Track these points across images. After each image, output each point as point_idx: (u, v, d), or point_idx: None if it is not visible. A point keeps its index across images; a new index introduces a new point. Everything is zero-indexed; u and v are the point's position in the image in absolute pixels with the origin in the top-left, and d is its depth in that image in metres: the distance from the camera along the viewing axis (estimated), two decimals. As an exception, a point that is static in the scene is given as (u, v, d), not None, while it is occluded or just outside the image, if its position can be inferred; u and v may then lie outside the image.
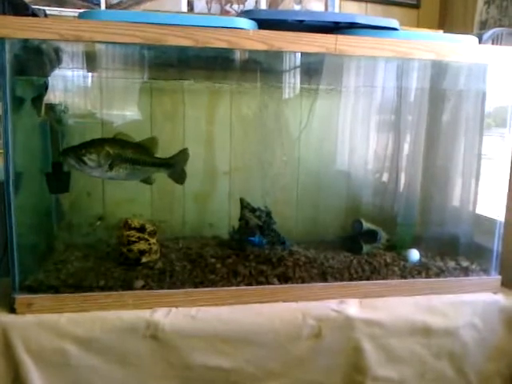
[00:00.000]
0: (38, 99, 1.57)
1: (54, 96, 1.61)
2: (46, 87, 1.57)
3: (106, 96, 1.72)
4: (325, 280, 1.46)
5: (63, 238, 1.65)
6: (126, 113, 1.78)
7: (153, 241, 1.50)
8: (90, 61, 1.60)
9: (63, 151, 1.45)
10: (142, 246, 1.47)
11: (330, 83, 1.79)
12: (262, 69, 1.66)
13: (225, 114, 1.78)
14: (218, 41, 1.26)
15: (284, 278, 1.45)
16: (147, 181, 1.57)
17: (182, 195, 1.77)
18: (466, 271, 1.56)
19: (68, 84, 1.65)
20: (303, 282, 1.45)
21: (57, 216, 1.71)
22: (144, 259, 1.46)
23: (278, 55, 1.52)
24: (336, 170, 1.87)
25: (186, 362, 1.30)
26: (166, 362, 1.30)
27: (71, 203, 1.68)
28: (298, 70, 1.68)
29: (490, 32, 1.58)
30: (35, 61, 1.49)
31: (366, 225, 1.68)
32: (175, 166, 1.62)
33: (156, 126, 1.75)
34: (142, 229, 1.50)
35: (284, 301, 1.41)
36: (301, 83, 1.73)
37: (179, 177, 1.63)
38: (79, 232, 1.65)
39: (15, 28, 1.16)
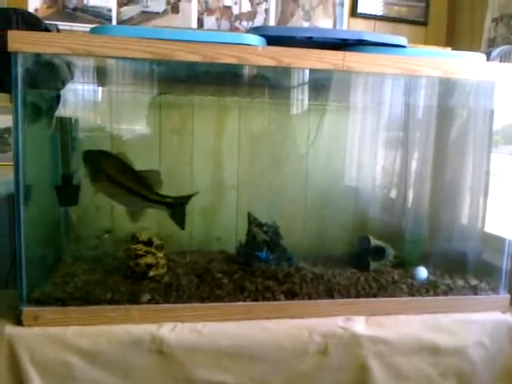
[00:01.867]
0: (49, 112, 1.60)
1: (65, 109, 1.63)
2: (57, 100, 1.59)
3: (116, 110, 1.74)
4: (331, 297, 1.45)
5: (71, 251, 1.66)
6: (135, 127, 1.80)
7: (160, 255, 1.50)
8: (101, 75, 1.62)
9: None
10: (149, 259, 1.47)
11: (338, 100, 1.80)
12: (270, 85, 1.67)
13: (233, 129, 1.79)
14: (227, 56, 1.28)
15: (290, 294, 1.44)
16: (133, 216, 1.50)
17: (189, 209, 1.78)
18: (474, 289, 1.54)
19: (79, 98, 1.67)
20: (310, 298, 1.44)
21: (65, 229, 1.72)
22: (151, 273, 1.47)
23: (286, 71, 1.53)
24: (344, 186, 1.87)
25: (190, 377, 1.30)
26: (170, 376, 1.29)
27: (80, 216, 1.69)
28: (306, 87, 1.69)
29: (499, 50, 1.59)
30: (48, 75, 1.52)
31: (374, 241, 1.67)
32: (178, 207, 1.53)
33: (164, 139, 1.77)
34: (149, 242, 1.50)
35: (290, 317, 1.40)
36: (309, 99, 1.74)
37: (181, 219, 1.54)
38: (87, 245, 1.66)
39: (27, 42, 1.19)
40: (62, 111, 1.62)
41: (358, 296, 1.47)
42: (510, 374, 1.47)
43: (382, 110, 1.86)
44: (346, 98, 1.77)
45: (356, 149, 1.88)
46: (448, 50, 1.66)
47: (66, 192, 1.57)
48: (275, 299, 1.42)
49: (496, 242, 1.62)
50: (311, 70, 1.47)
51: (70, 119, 1.67)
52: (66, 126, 1.64)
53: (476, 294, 1.53)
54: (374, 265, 1.62)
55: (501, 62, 1.58)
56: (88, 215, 1.69)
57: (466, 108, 1.76)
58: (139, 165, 1.73)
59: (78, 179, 1.60)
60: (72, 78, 1.58)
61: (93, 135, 1.73)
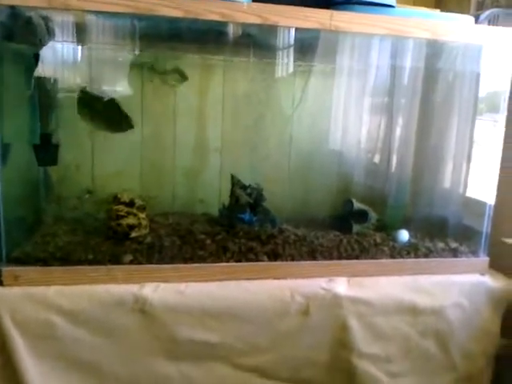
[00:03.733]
0: (28, 71, 1.54)
1: (43, 68, 1.58)
2: (36, 60, 1.54)
3: (96, 69, 1.68)
4: (314, 258, 1.46)
5: (51, 212, 1.63)
6: (116, 87, 1.75)
7: (142, 216, 1.49)
8: (80, 33, 1.56)
9: None
10: (131, 220, 1.46)
11: (324, 61, 1.77)
12: (255, 44, 1.63)
13: (217, 90, 1.76)
14: (210, 13, 1.24)
15: (273, 256, 1.44)
16: None
17: (172, 170, 1.76)
18: (454, 252, 1.57)
19: (58, 57, 1.62)
20: (292, 259, 1.45)
21: (45, 189, 1.69)
22: (133, 234, 1.45)
23: (272, 30, 1.50)
24: (328, 149, 1.86)
25: (173, 336, 1.31)
26: (153, 335, 1.30)
27: (59, 176, 1.66)
28: (292, 47, 1.65)
29: (487, 12, 1.57)
30: (24, 31, 1.46)
31: (357, 205, 1.68)
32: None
33: (146, 99, 1.73)
34: (131, 203, 1.48)
35: (273, 278, 1.41)
36: (295, 60, 1.70)
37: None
38: (68, 206, 1.63)
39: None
40: (40, 70, 1.57)
41: (340, 258, 1.48)
42: (486, 335, 1.51)
43: (367, 73, 1.84)
44: (332, 60, 1.74)
45: (341, 112, 1.86)
46: (437, 11, 1.63)
47: (45, 151, 1.53)
48: (258, 260, 1.42)
49: (477, 207, 1.64)
50: (298, 30, 1.44)
51: (49, 78, 1.61)
52: (44, 85, 1.59)
53: (456, 256, 1.55)
54: (356, 227, 1.63)
55: (489, 25, 1.56)
56: (68, 175, 1.66)
57: (452, 72, 1.74)
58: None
59: (57, 138, 1.57)
60: (50, 35, 1.53)
61: (72, 95, 1.68)
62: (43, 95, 1.61)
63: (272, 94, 1.76)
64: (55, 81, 1.63)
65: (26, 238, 1.45)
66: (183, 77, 1.72)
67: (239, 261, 1.41)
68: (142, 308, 1.29)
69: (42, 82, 1.58)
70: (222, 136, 1.77)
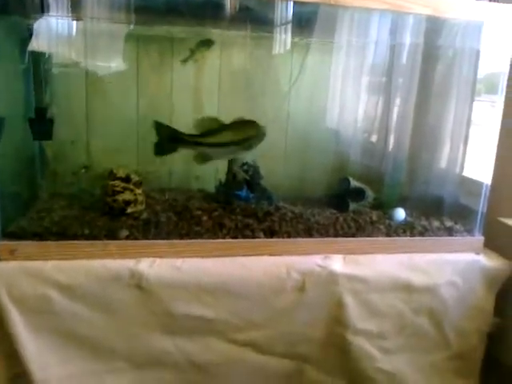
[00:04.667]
0: (22, 45, 1.52)
1: (38, 42, 1.55)
2: (30, 34, 1.52)
3: (91, 44, 1.66)
4: (310, 235, 1.47)
5: (47, 187, 1.62)
6: (111, 61, 1.73)
7: (138, 191, 1.48)
8: (74, 7, 1.53)
9: None
10: (127, 196, 1.45)
11: (323, 37, 1.74)
12: (253, 18, 1.61)
13: (213, 64, 1.73)
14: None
15: (270, 232, 1.45)
16: None
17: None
18: (449, 231, 1.57)
19: (52, 30, 1.59)
20: (289, 236, 1.45)
21: (41, 164, 1.68)
22: (129, 209, 1.45)
23: (271, 3, 1.47)
24: (325, 127, 1.85)
25: (169, 311, 1.31)
26: (149, 310, 1.31)
27: (55, 152, 1.65)
28: (291, 22, 1.63)
29: (489, -12, 1.54)
30: (19, 3, 1.43)
31: (354, 183, 1.68)
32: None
33: (142, 75, 1.71)
34: (127, 179, 1.48)
35: (269, 254, 1.41)
36: (293, 36, 1.68)
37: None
38: (63, 181, 1.62)
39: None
40: (34, 44, 1.55)
41: (336, 235, 1.48)
42: (480, 313, 1.52)
43: (366, 49, 1.82)
44: (331, 36, 1.72)
45: (339, 89, 1.85)
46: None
47: (40, 125, 1.51)
48: (254, 237, 1.42)
49: (473, 186, 1.64)
50: (296, 3, 1.42)
51: (44, 52, 1.59)
52: (39, 59, 1.57)
53: (451, 235, 1.56)
54: (353, 205, 1.63)
55: (490, 1, 1.54)
56: (64, 151, 1.65)
57: (452, 50, 1.72)
58: (116, 101, 1.69)
59: (52, 112, 1.55)
60: (44, 9, 1.50)
61: (67, 69, 1.66)
62: (38, 69, 1.59)
63: (270, 70, 1.74)
64: (50, 54, 1.61)
65: (21, 213, 1.44)
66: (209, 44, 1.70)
67: (235, 237, 1.41)
68: (138, 283, 1.29)
69: (36, 55, 1.56)
70: (218, 111, 1.76)
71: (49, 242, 1.30)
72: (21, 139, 1.59)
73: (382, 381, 1.44)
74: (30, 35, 1.52)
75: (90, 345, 1.31)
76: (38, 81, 1.62)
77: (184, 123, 1.74)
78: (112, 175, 1.47)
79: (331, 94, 1.84)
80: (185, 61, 1.68)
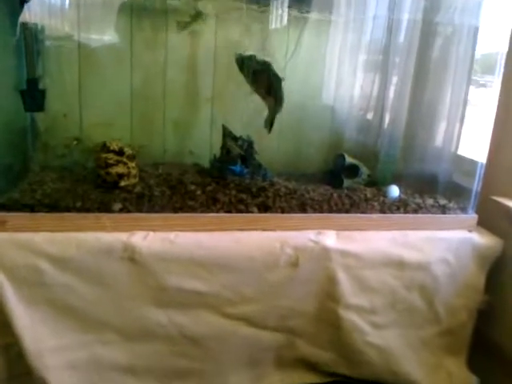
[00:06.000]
0: (13, 16, 1.49)
1: (30, 14, 1.52)
2: (22, 4, 1.48)
3: (84, 15, 1.62)
4: (304, 211, 1.46)
5: (39, 160, 1.60)
6: (104, 34, 1.70)
7: (132, 165, 1.47)
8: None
9: None
10: (121, 169, 1.44)
11: (320, 11, 1.72)
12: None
13: (209, 38, 1.71)
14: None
15: (264, 208, 1.44)
16: None
17: (162, 121, 1.73)
18: (443, 209, 1.57)
19: (44, 2, 1.56)
20: (283, 212, 1.45)
21: (33, 137, 1.66)
22: (122, 183, 1.44)
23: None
24: (321, 103, 1.83)
25: (161, 285, 1.31)
26: (142, 283, 1.31)
27: (47, 124, 1.62)
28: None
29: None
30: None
31: (349, 159, 1.67)
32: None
33: (136, 48, 1.68)
34: (120, 152, 1.46)
35: (263, 229, 1.41)
36: (289, 9, 1.65)
37: None
38: (55, 154, 1.60)
39: None
40: (26, 15, 1.51)
41: (330, 211, 1.48)
42: (470, 290, 1.54)
43: (363, 25, 1.79)
44: (328, 10, 1.69)
45: (335, 65, 1.83)
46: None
47: (32, 96, 1.49)
48: (248, 212, 1.42)
49: (468, 165, 1.64)
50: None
51: (36, 24, 1.56)
52: (30, 31, 1.54)
53: (444, 212, 1.56)
54: (347, 182, 1.63)
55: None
56: (56, 123, 1.63)
57: (451, 27, 1.70)
58: (108, 73, 1.67)
59: (44, 84, 1.53)
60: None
61: (59, 41, 1.63)
62: (30, 41, 1.56)
63: (266, 44, 1.72)
64: (42, 26, 1.58)
65: (13, 185, 1.43)
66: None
67: (229, 212, 1.41)
68: (131, 256, 1.28)
69: (28, 26, 1.52)
70: (213, 86, 1.73)
71: (40, 214, 1.29)
72: (13, 111, 1.56)
73: (371, 354, 1.46)
74: (22, 6, 1.48)
75: (83, 317, 1.32)
76: (30, 52, 1.58)
77: (178, 95, 1.73)
78: (105, 148, 1.46)
79: (327, 70, 1.82)
80: (183, 27, 1.65)
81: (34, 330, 1.28)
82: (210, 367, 1.43)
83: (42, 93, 1.51)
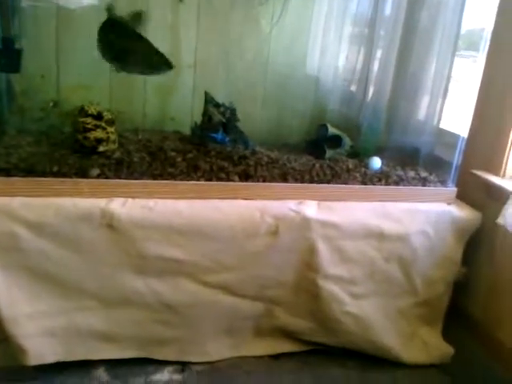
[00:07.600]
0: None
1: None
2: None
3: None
4: (285, 181, 1.45)
5: (15, 123, 1.56)
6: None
7: (110, 130, 1.43)
8: None
9: None
10: (99, 134, 1.40)
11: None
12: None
13: (191, 2, 1.66)
14: None
15: (245, 176, 1.43)
16: None
17: (143, 86, 1.69)
18: (423, 181, 1.58)
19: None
20: (264, 181, 1.44)
21: (8, 99, 1.61)
22: (101, 148, 1.41)
23: None
24: (305, 73, 1.81)
25: (140, 252, 1.30)
26: (120, 250, 1.29)
27: (24, 86, 1.57)
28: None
29: None
30: None
31: (331, 130, 1.66)
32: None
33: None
34: (99, 116, 1.42)
35: (243, 198, 1.40)
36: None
37: None
38: (32, 117, 1.56)
39: None
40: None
41: (311, 182, 1.48)
42: (448, 262, 1.55)
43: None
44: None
45: (320, 35, 1.80)
46: None
47: (7, 56, 1.44)
48: (229, 180, 1.40)
49: (450, 138, 1.64)
50: None
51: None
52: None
53: (424, 185, 1.57)
54: (329, 153, 1.62)
55: None
56: (33, 85, 1.58)
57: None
58: (88, 34, 1.61)
59: (21, 43, 1.47)
60: None
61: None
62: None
63: (250, 10, 1.68)
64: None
65: (-13, 148, 1.38)
66: None
67: (210, 180, 1.39)
68: (109, 223, 1.27)
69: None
70: (196, 52, 1.69)
71: (16, 178, 1.26)
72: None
73: (349, 323, 1.48)
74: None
75: (60, 283, 1.30)
76: (5, 9, 1.52)
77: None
78: (83, 112, 1.42)
79: (312, 39, 1.79)
80: None
81: (10, 296, 1.26)
82: (189, 335, 1.43)
83: (18, 53, 1.46)
